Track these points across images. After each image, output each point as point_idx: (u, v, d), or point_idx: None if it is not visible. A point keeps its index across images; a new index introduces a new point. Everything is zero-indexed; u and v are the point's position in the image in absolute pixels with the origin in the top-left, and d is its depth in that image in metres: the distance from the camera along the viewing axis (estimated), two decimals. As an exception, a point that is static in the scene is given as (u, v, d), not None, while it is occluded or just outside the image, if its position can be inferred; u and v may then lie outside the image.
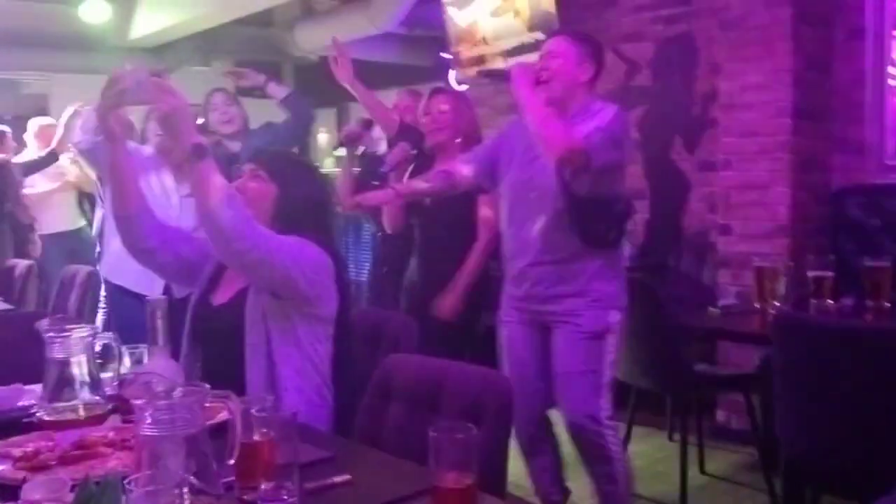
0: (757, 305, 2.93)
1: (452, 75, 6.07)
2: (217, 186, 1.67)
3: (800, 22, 3.53)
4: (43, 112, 8.24)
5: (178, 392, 1.02)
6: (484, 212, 2.94)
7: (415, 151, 3.12)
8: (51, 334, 1.53)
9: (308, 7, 6.62)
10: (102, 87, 1.79)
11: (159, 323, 1.40)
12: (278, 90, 3.61)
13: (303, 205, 1.97)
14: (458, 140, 3.03)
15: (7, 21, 6.49)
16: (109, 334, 1.58)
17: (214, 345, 1.95)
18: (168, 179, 3.17)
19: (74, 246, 5.49)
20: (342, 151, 3.80)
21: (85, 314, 3.42)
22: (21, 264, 3.94)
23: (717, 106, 3.86)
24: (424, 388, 1.59)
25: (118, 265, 2.94)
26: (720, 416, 3.82)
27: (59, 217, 5.55)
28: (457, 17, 5.25)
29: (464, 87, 5.80)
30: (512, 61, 4.94)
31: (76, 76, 7.43)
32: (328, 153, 8.79)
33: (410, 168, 3.14)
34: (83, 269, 3.61)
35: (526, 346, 2.61)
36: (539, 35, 4.75)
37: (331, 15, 6.19)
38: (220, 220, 1.67)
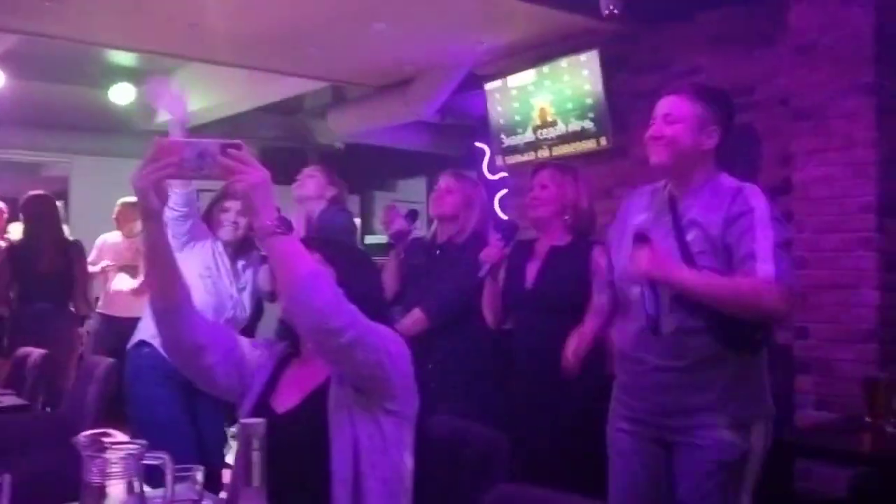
0: (868, 420, 2.60)
1: (485, 165, 5.90)
2: (305, 262, 1.52)
3: (884, 112, 3.31)
4: (62, 195, 8.10)
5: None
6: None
7: (507, 245, 2.91)
8: (89, 454, 1.22)
9: (340, 94, 6.51)
10: (146, 157, 1.53)
11: (256, 455, 1.08)
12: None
13: (363, 291, 1.72)
14: (566, 217, 2.88)
15: (30, 102, 6.39)
16: (161, 455, 1.27)
17: (283, 457, 1.64)
18: (227, 262, 2.97)
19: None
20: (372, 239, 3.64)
21: (102, 413, 3.09)
22: (35, 353, 3.62)
23: (791, 200, 3.61)
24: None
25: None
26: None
27: (118, 299, 5.27)
28: (500, 105, 5.08)
29: (500, 176, 5.63)
30: (558, 150, 4.76)
31: (98, 159, 7.31)
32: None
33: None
34: (104, 361, 3.29)
35: (641, 468, 2.15)
36: (587, 123, 4.59)
37: (365, 101, 6.06)
38: (312, 296, 1.49)
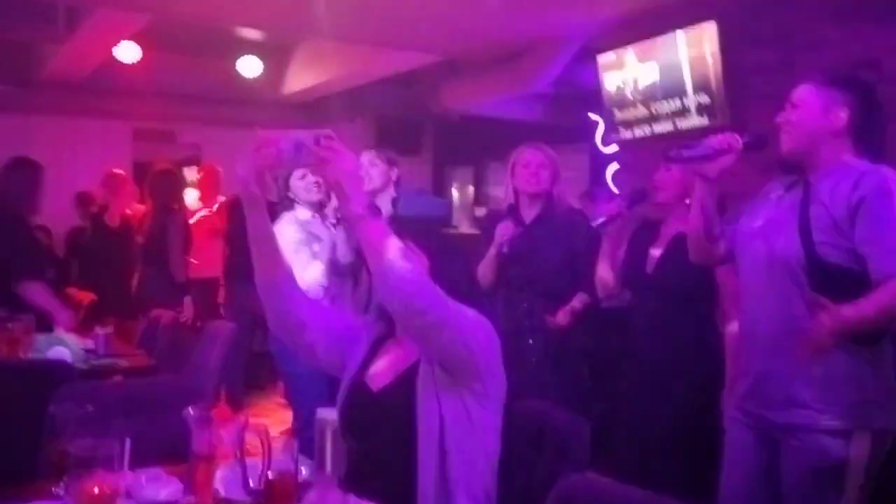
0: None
1: (599, 136, 5.85)
2: (392, 244, 1.59)
3: None
4: (195, 161, 8.59)
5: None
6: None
7: (626, 210, 2.93)
8: (197, 428, 1.37)
9: (454, 67, 6.57)
10: (250, 148, 1.66)
11: (329, 446, 1.19)
12: None
13: (456, 279, 1.83)
14: (688, 201, 2.74)
15: (164, 74, 6.78)
16: (260, 427, 1.41)
17: (373, 435, 1.76)
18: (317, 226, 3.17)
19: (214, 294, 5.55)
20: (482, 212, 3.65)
21: (224, 375, 3.32)
22: (166, 315, 3.92)
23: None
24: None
25: None
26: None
27: (203, 262, 5.55)
28: (612, 78, 5.02)
29: (613, 149, 5.58)
30: (672, 125, 4.67)
31: (227, 128, 7.72)
32: (465, 210, 8.73)
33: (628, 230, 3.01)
34: (227, 325, 3.52)
35: (748, 459, 2.10)
36: (703, 97, 4.47)
37: (477, 74, 6.10)
38: (399, 276, 1.57)
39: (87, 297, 5.12)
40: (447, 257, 1.88)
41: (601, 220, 2.87)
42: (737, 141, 2.11)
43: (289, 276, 1.85)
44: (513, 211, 3.27)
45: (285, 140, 1.60)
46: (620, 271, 2.93)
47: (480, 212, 6.37)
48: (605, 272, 2.96)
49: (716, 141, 2.12)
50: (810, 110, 2.04)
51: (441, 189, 9.06)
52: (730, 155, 2.11)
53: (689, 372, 2.72)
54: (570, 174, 7.41)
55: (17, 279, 3.60)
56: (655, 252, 2.84)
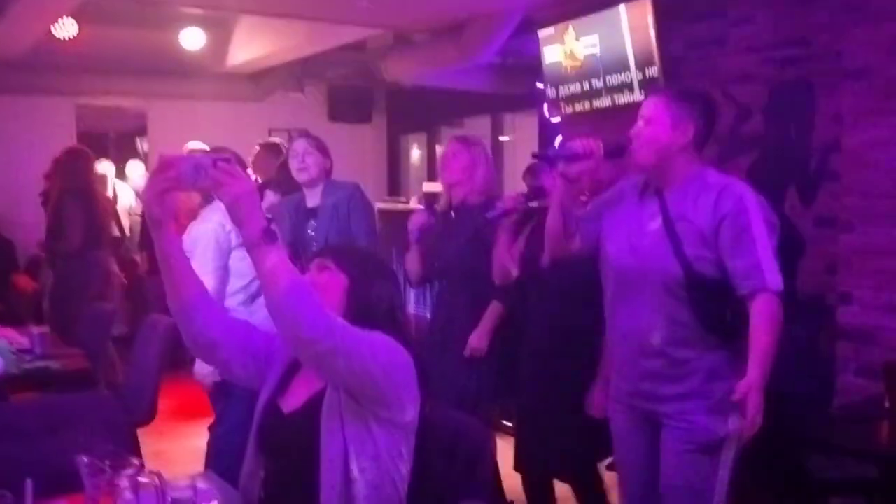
0: (888, 406, 2.56)
1: (545, 106, 5.85)
2: (286, 272, 1.56)
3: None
4: (142, 131, 8.45)
5: None
6: None
7: (532, 205, 2.95)
8: (88, 476, 1.40)
9: (401, 37, 6.50)
10: (152, 170, 1.66)
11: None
12: None
13: (376, 298, 1.82)
14: (584, 199, 2.79)
15: (105, 49, 6.62)
16: (153, 477, 1.44)
17: (282, 457, 1.80)
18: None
19: None
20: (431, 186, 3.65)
21: (161, 373, 3.34)
22: (105, 308, 3.89)
23: (839, 160, 3.50)
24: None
25: None
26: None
27: None
28: (551, 54, 5.00)
29: (556, 120, 5.59)
30: (610, 100, 4.68)
31: (172, 101, 7.61)
32: (419, 170, 8.74)
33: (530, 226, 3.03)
34: (164, 320, 3.49)
35: (634, 445, 2.34)
36: (638, 74, 4.48)
37: (422, 47, 6.04)
38: (290, 306, 1.55)
39: (30, 284, 5.12)
40: (370, 279, 1.84)
41: (496, 212, 2.90)
42: (599, 147, 2.23)
43: (200, 296, 1.82)
44: (429, 203, 3.32)
45: (185, 162, 1.60)
46: (519, 264, 3.01)
47: (430, 187, 6.35)
48: (505, 262, 3.03)
49: (579, 145, 2.25)
50: (662, 126, 2.19)
51: (396, 156, 9.04)
52: (591, 160, 2.23)
53: (583, 350, 2.85)
54: (522, 139, 7.45)
55: None
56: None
